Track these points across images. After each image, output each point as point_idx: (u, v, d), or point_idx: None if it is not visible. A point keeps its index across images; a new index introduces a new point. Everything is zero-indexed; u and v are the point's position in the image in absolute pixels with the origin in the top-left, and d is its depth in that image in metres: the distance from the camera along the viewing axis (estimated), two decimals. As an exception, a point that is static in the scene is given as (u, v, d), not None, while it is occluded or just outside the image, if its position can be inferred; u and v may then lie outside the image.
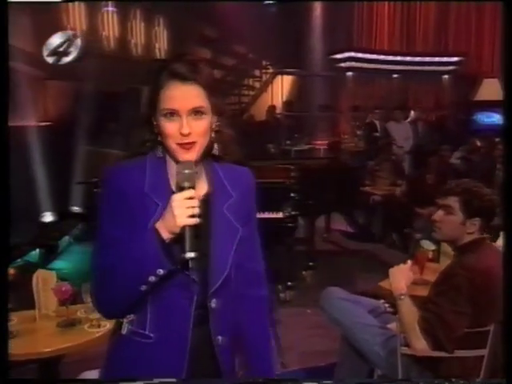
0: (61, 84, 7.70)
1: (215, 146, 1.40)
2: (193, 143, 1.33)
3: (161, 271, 1.28)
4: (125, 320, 1.38)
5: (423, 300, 2.35)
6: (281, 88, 10.63)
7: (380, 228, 6.27)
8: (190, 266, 1.30)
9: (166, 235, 1.28)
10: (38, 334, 2.45)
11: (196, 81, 1.32)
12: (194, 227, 1.27)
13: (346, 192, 5.93)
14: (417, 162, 7.12)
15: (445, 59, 11.98)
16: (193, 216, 1.27)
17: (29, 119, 6.86)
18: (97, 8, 9.38)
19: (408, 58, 11.53)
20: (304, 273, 4.82)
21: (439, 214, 2.40)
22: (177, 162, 1.35)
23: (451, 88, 12.04)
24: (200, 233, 1.30)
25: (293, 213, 4.21)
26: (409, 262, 2.45)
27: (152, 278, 1.29)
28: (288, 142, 9.29)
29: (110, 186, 1.36)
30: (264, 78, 12.07)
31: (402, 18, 11.97)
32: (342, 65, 10.97)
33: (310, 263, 4.89)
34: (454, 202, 2.35)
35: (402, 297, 2.29)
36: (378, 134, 8.63)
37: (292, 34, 10.54)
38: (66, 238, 5.68)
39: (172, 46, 10.93)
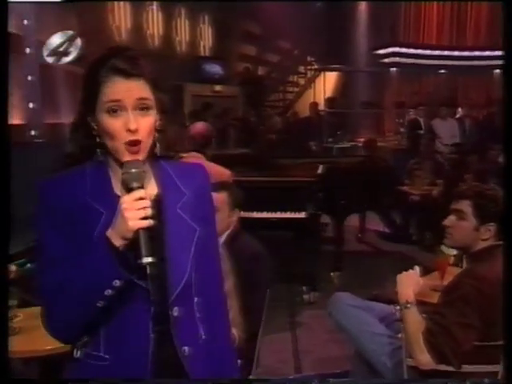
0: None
1: (157, 145, 1.30)
2: (139, 142, 1.22)
3: (117, 282, 1.18)
4: (78, 342, 1.28)
5: (432, 309, 2.22)
6: (323, 84, 10.48)
7: (416, 229, 6.07)
8: (148, 272, 1.21)
9: (118, 242, 1.18)
10: (41, 331, 2.45)
11: (140, 76, 1.22)
12: (148, 230, 1.17)
13: (383, 191, 5.77)
14: (460, 161, 6.85)
15: (496, 53, 11.48)
16: (145, 218, 1.17)
17: (69, 116, 7.02)
18: (141, 6, 9.52)
19: (456, 53, 11.12)
20: (332, 274, 4.70)
21: (450, 219, 2.25)
22: (121, 163, 1.24)
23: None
24: (155, 236, 1.20)
25: (318, 212, 4.10)
26: (417, 267, 2.32)
27: (108, 292, 1.19)
28: (330, 139, 9.17)
29: (48, 200, 1.25)
30: (309, 74, 11.97)
31: (452, 11, 11.57)
32: (386, 60, 10.71)
33: (339, 264, 4.75)
34: (466, 206, 2.20)
35: (408, 305, 2.17)
36: (421, 132, 8.37)
37: (337, 29, 10.38)
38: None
39: (217, 43, 10.97)
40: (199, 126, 3.44)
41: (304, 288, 4.32)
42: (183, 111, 8.84)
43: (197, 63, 10.11)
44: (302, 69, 12.17)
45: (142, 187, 1.21)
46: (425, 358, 2.05)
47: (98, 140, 1.26)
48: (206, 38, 10.97)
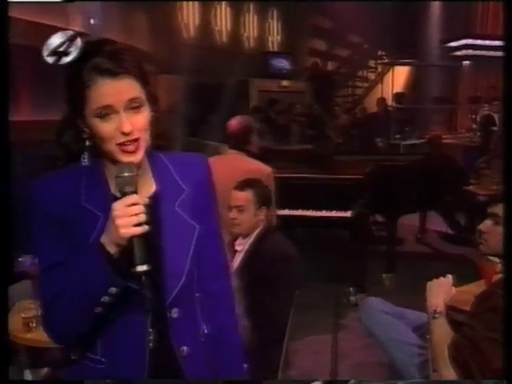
0: (172, 78, 7.99)
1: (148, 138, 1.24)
2: (135, 141, 1.17)
3: (113, 290, 1.15)
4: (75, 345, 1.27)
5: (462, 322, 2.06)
6: (392, 79, 10.15)
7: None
8: (143, 280, 1.15)
9: (112, 249, 1.14)
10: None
11: (128, 74, 1.16)
12: (142, 236, 1.13)
13: (446, 190, 5.53)
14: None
15: None
16: (139, 224, 1.12)
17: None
18: (210, 2, 9.61)
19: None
20: (383, 276, 4.53)
21: (486, 224, 2.09)
22: (116, 163, 1.19)
23: None
24: (151, 241, 1.16)
25: (365, 211, 3.95)
26: (449, 276, 2.16)
27: (105, 299, 1.16)
28: (397, 136, 8.89)
29: (40, 203, 1.21)
30: (379, 68, 11.66)
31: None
32: (458, 53, 10.17)
33: (391, 266, 4.57)
34: (502, 210, 2.02)
35: (437, 315, 2.02)
36: (495, 128, 7.92)
37: (408, 21, 10.01)
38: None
39: (285, 38, 10.91)
40: (234, 123, 3.34)
41: (351, 289, 4.19)
42: (248, 107, 8.86)
43: (264, 58, 10.10)
44: (372, 63, 11.87)
45: (135, 192, 1.15)
46: (449, 374, 1.90)
47: (88, 143, 1.21)
48: (275, 33, 10.93)
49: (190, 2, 9.20)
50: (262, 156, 4.74)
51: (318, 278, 4.57)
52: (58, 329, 1.23)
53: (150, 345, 1.23)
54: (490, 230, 2.08)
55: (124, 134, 1.16)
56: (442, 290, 2.10)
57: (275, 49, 10.82)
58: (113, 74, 1.15)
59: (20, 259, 2.35)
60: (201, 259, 1.29)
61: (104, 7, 6.37)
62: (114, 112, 1.16)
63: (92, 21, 6.13)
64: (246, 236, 2.60)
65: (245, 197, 2.59)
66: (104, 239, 1.15)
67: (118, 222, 1.12)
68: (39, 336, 2.38)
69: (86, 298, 1.17)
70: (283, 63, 10.34)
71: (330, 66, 11.93)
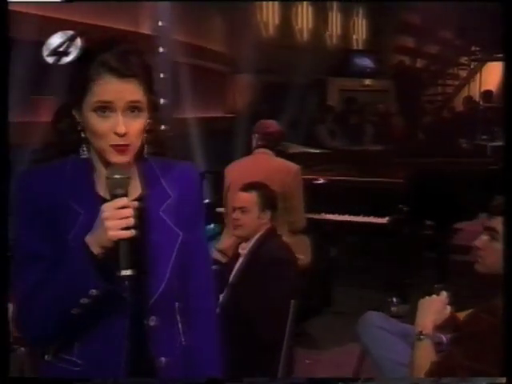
0: (248, 77, 8.02)
1: (145, 146, 1.22)
2: (127, 145, 1.15)
3: (94, 292, 1.12)
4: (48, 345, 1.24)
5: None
6: (480, 76, 9.50)
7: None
8: (127, 284, 1.14)
9: (96, 250, 1.11)
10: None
11: (134, 76, 1.15)
12: (129, 241, 1.11)
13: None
14: None
15: None
16: (127, 228, 1.10)
17: (214, 111, 7.32)
18: (291, 1, 9.51)
19: None
20: (435, 286, 4.23)
21: (482, 240, 1.85)
22: (106, 163, 1.17)
23: None
24: (136, 245, 1.14)
25: (402, 217, 3.70)
26: (444, 293, 1.95)
27: (84, 300, 1.13)
28: (484, 136, 8.32)
29: (25, 192, 1.19)
30: (472, 65, 10.97)
31: None
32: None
33: (442, 275, 4.27)
34: (500, 224, 1.79)
35: (422, 337, 1.82)
36: None
37: (500, 13, 9.30)
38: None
39: (371, 35, 10.58)
40: (271, 124, 3.39)
41: (394, 299, 3.95)
42: (323, 106, 8.68)
43: (347, 57, 9.86)
44: (464, 60, 11.19)
45: (125, 195, 1.14)
46: (423, 402, 1.71)
47: (82, 135, 1.20)
48: (360, 31, 10.63)
49: (270, 1, 9.15)
50: (317, 158, 4.63)
51: (360, 284, 4.39)
52: (30, 325, 1.20)
53: (127, 352, 1.20)
54: (486, 246, 1.84)
55: (117, 134, 1.14)
56: (432, 310, 1.89)
57: (360, 47, 10.53)
58: (120, 74, 1.14)
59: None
60: (185, 269, 1.26)
61: (173, 8, 6.45)
62: (112, 110, 1.14)
63: (160, 23, 6.25)
64: (248, 239, 2.54)
65: (248, 198, 2.56)
66: (89, 239, 1.12)
67: (107, 224, 1.10)
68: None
69: (65, 297, 1.14)
70: (366, 62, 10.07)
71: (419, 63, 11.42)
